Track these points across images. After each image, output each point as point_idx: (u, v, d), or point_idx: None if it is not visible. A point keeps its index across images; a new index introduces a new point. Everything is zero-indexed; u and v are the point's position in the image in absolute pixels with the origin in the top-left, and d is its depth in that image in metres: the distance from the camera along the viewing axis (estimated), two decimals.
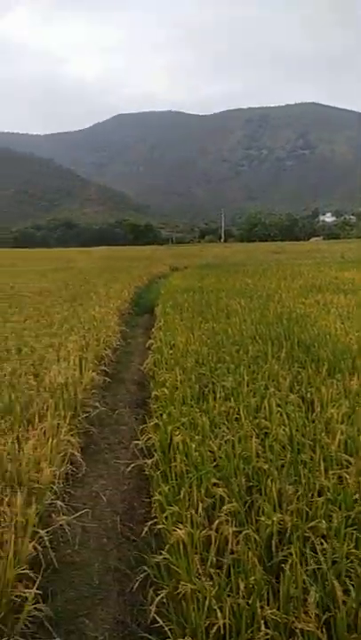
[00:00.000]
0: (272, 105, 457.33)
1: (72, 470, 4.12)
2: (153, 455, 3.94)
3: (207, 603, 2.12)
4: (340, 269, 19.81)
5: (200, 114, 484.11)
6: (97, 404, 5.63)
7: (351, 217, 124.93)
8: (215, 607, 2.09)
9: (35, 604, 2.42)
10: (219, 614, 2.06)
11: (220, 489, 3.03)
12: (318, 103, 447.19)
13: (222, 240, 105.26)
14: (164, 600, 2.39)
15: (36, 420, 4.23)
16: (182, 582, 2.26)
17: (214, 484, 3.12)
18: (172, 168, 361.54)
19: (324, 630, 2.04)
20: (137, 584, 2.69)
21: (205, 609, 2.11)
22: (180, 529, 2.58)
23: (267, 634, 2.00)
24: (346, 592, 2.20)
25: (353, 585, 2.24)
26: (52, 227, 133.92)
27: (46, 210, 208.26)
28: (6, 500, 2.88)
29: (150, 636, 2.38)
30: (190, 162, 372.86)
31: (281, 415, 4.24)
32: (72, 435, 4.31)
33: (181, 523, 2.71)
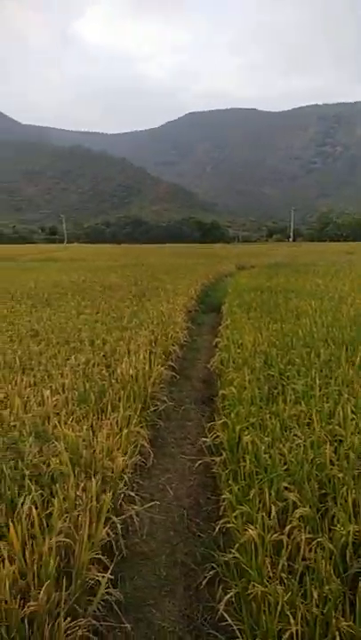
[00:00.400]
0: (348, 101, 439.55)
1: (141, 461, 4.20)
2: (220, 453, 3.93)
3: (279, 607, 2.08)
4: None
5: (272, 111, 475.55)
6: (164, 398, 5.71)
7: None
8: (288, 612, 2.04)
9: (106, 588, 2.49)
10: (292, 620, 2.01)
11: (292, 494, 2.96)
12: None
13: (291, 239, 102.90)
14: (233, 599, 2.37)
15: (109, 409, 4.36)
16: (253, 583, 2.23)
17: (285, 488, 3.05)
18: (242, 166, 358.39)
19: None
20: (205, 581, 2.69)
21: (277, 613, 2.07)
22: (250, 529, 2.55)
23: None
24: None
25: None
26: (122, 223, 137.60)
27: (117, 207, 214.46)
28: (82, 485, 2.99)
29: (217, 634, 2.38)
30: (260, 160, 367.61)
31: (356, 423, 4.07)
32: (141, 426, 4.40)
33: (251, 523, 2.67)
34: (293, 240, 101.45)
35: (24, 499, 2.76)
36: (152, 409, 5.18)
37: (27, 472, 3.06)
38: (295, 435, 3.86)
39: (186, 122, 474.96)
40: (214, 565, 2.71)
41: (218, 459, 3.80)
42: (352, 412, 4.29)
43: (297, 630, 2.00)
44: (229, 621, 2.24)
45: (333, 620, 2.03)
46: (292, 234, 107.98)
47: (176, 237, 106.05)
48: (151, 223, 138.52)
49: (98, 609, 2.47)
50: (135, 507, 3.28)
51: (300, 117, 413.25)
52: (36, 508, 2.62)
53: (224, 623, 2.34)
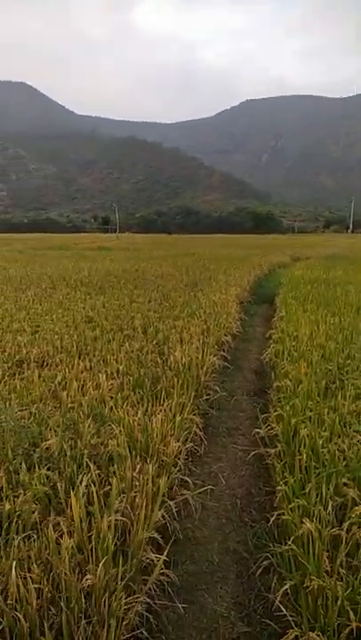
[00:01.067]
0: None
1: (194, 448, 4.22)
2: (275, 445, 3.87)
3: (339, 602, 2.02)
4: None
5: (332, 97, 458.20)
6: (217, 387, 5.69)
7: None
8: (348, 608, 1.99)
9: (160, 570, 2.52)
10: (352, 616, 1.96)
11: (352, 490, 2.87)
12: None
13: (350, 230, 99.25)
14: (288, 591, 2.34)
15: (163, 395, 4.40)
16: (311, 576, 2.18)
17: (344, 484, 2.96)
18: (298, 155, 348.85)
19: None
20: (260, 570, 2.67)
21: (337, 608, 2.02)
22: (307, 523, 2.50)
23: None
24: None
25: None
26: (173, 213, 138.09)
27: (170, 197, 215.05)
28: (138, 467, 3.04)
29: (271, 623, 2.36)
30: (318, 148, 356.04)
31: None
32: (194, 414, 4.41)
33: (308, 517, 2.62)
34: (352, 231, 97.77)
35: (82, 477, 2.84)
36: (204, 397, 5.18)
37: (85, 452, 3.15)
38: (355, 431, 3.74)
39: (243, 110, 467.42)
40: (269, 555, 2.68)
41: (273, 450, 3.74)
42: None
43: (358, 627, 1.95)
44: (284, 612, 2.21)
45: None
46: (351, 224, 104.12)
47: (229, 228, 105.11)
48: (203, 213, 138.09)
49: (152, 589, 2.51)
50: (188, 492, 3.30)
51: None
52: (95, 487, 2.69)
53: (279, 613, 2.31)
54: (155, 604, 2.45)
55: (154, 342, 6.52)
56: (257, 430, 4.34)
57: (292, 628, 2.07)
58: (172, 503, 2.94)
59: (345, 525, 2.55)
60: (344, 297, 10.42)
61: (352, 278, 14.20)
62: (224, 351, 7.35)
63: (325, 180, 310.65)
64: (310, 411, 4.11)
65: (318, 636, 1.93)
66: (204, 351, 6.09)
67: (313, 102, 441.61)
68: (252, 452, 4.15)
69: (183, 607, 2.57)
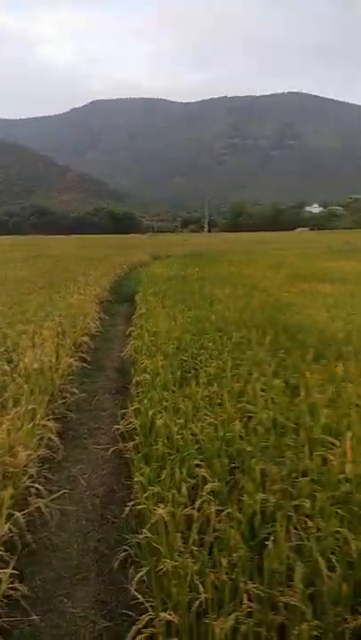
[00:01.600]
0: (257, 94, 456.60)
1: (50, 455, 4.05)
2: (134, 439, 3.90)
3: (189, 579, 2.10)
4: (327, 259, 19.97)
5: (182, 101, 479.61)
6: (75, 390, 5.55)
7: (338, 208, 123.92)
8: (198, 582, 2.07)
9: (11, 584, 2.36)
10: (201, 589, 2.04)
11: (203, 470, 3.01)
12: (305, 93, 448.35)
13: (206, 229, 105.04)
14: (145, 578, 2.36)
15: (10, 404, 4.13)
16: (164, 560, 2.23)
17: (197, 466, 3.09)
18: (154, 156, 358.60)
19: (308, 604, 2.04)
20: (117, 563, 2.65)
21: (187, 585, 2.09)
22: (161, 508, 2.55)
23: (250, 607, 1.99)
24: (332, 570, 2.20)
25: (338, 561, 2.24)
26: (27, 214, 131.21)
27: (19, 197, 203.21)
28: None
29: (131, 612, 2.35)
30: (173, 150, 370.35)
31: (265, 400, 4.24)
32: (48, 420, 4.22)
33: (163, 502, 2.68)
34: (209, 230, 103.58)
35: None
36: (60, 401, 5.00)
37: None
38: (206, 414, 3.94)
39: (94, 109, 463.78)
40: (127, 547, 2.67)
41: (130, 444, 3.76)
42: (261, 389, 4.46)
43: (206, 598, 2.04)
44: (141, 599, 2.23)
45: (242, 584, 2.09)
46: (207, 224, 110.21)
47: (87, 228, 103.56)
48: (59, 213, 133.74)
49: (1, 606, 2.34)
50: (42, 500, 3.14)
51: (212, 108, 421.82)
52: None
53: (138, 601, 2.32)
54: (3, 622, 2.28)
55: (2, 350, 6.09)
56: (116, 427, 4.32)
57: (147, 613, 2.10)
58: (19, 514, 2.76)
59: (197, 504, 2.66)
60: (200, 291, 10.96)
61: (207, 274, 15.03)
62: (83, 352, 7.21)
63: (180, 182, 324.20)
64: (167, 401, 4.23)
65: (170, 615, 1.97)
66: (58, 354, 5.89)
67: (163, 106, 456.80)
68: (111, 449, 4.11)
69: (40, 618, 2.44)
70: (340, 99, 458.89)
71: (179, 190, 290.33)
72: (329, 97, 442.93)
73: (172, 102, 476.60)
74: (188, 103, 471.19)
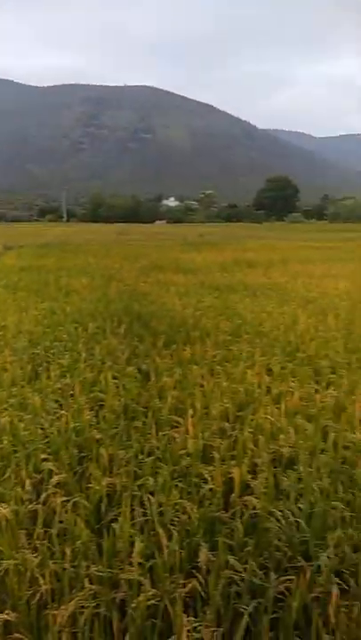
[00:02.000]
0: (110, 84, 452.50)
1: None
2: None
3: (29, 573, 2.07)
4: (181, 251, 20.83)
5: (34, 85, 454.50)
6: None
7: (193, 202, 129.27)
8: (37, 575, 2.05)
9: None
10: (41, 581, 2.03)
11: (50, 463, 2.97)
12: (157, 88, 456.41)
13: (65, 219, 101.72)
14: None
15: None
16: (5, 559, 2.16)
17: (44, 460, 3.04)
18: (7, 142, 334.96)
19: (148, 577, 2.15)
20: None
21: (27, 580, 2.06)
22: (4, 508, 2.46)
23: (91, 590, 2.03)
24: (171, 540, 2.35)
25: (177, 532, 2.40)
26: None
27: None
28: None
29: None
30: (26, 136, 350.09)
31: (117, 387, 4.33)
32: None
33: (6, 502, 2.59)
34: (68, 220, 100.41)
35: None
36: None
37: None
38: (57, 407, 3.88)
39: None
40: None
41: None
42: (114, 377, 4.54)
43: (47, 589, 2.03)
44: None
45: (83, 570, 2.13)
46: (65, 214, 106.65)
47: None
48: None
49: None
50: None
51: (64, 95, 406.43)
52: None
53: None
54: None
55: None
56: None
57: None
58: None
59: (42, 498, 2.62)
60: (56, 282, 10.67)
61: (64, 264, 14.68)
62: None
63: (36, 169, 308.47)
64: (14, 397, 4.06)
65: (7, 614, 1.92)
66: None
67: (12, 88, 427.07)
68: None
69: None
70: (190, 96, 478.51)
71: (35, 179, 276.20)
72: (181, 94, 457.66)
73: (22, 85, 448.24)
74: (40, 87, 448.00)
